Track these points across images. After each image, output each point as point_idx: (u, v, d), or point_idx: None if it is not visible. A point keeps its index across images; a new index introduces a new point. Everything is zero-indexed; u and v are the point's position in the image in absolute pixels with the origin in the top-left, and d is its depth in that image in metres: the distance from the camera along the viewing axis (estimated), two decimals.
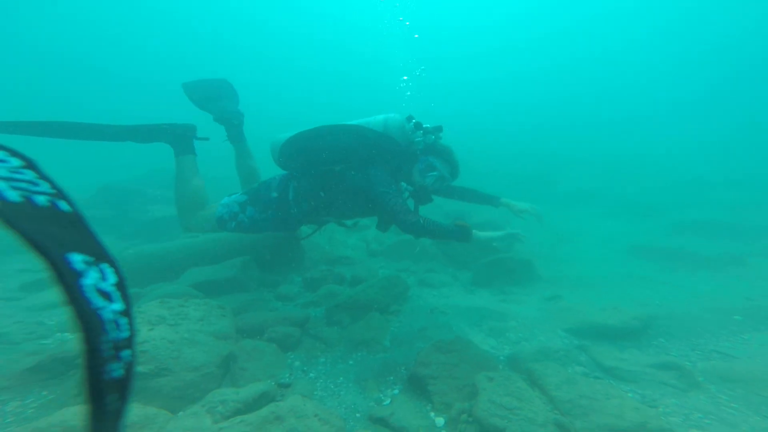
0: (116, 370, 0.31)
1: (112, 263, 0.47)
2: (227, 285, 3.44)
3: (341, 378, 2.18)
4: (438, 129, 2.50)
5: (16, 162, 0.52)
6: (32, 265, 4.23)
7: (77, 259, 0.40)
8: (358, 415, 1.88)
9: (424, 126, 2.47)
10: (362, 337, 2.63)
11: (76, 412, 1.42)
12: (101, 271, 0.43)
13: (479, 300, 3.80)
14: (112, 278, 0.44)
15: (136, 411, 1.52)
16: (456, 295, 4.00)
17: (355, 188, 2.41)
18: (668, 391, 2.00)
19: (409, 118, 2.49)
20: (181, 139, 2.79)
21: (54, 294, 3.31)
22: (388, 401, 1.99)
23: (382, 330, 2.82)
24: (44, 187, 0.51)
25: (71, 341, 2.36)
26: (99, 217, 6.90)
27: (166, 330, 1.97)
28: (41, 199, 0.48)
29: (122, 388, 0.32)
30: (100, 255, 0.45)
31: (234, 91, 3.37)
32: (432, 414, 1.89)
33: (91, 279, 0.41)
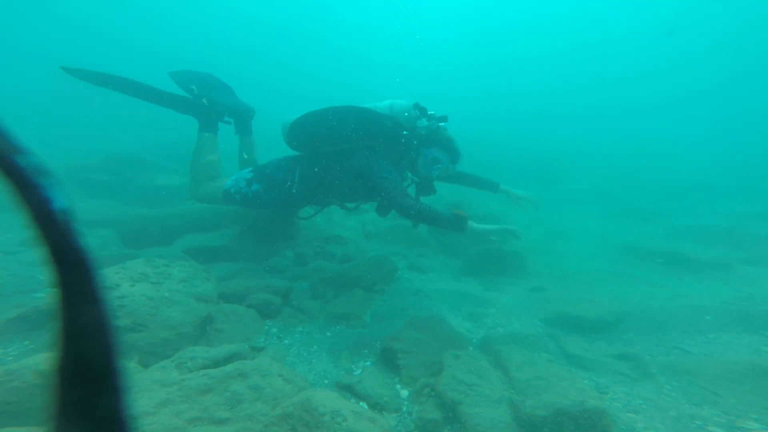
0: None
1: None
2: (218, 253, 3.47)
3: (315, 347, 2.20)
4: (443, 118, 2.48)
5: None
6: None
7: None
8: (326, 381, 1.91)
9: (429, 113, 2.45)
10: (343, 312, 2.65)
11: (49, 358, 1.45)
12: None
13: (465, 287, 3.80)
14: None
15: None
16: (443, 280, 4.00)
17: (357, 171, 2.43)
18: (621, 379, 2.06)
19: (416, 105, 2.46)
20: (208, 117, 2.94)
21: None
22: (358, 371, 2.02)
23: (364, 306, 2.83)
24: None
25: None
26: (103, 181, 6.95)
27: (147, 287, 1.99)
28: None
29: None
30: None
31: (223, 83, 3.30)
32: (398, 386, 1.91)
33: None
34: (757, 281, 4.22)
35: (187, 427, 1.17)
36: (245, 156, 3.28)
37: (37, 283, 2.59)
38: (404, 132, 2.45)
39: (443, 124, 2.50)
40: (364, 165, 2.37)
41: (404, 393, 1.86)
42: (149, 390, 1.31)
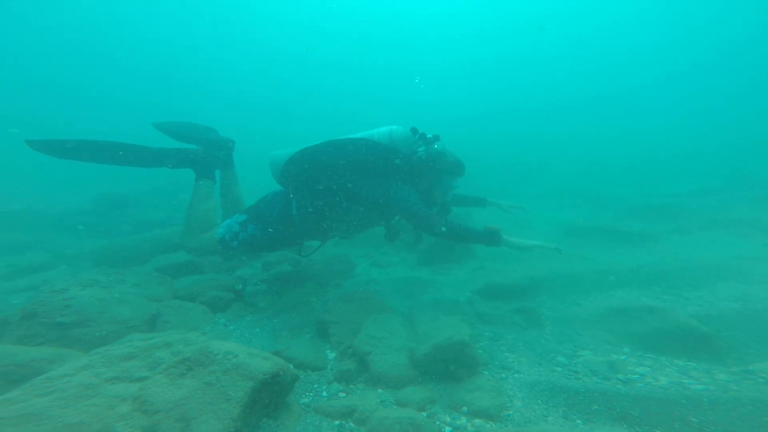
0: None
1: None
2: (185, 268, 3.55)
3: (258, 330, 2.30)
4: (436, 138, 2.38)
5: None
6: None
7: None
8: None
9: (427, 137, 2.36)
10: (293, 302, 2.75)
11: None
12: None
13: (416, 274, 3.94)
14: None
15: (51, 351, 1.64)
16: (399, 272, 4.13)
17: (370, 201, 2.25)
18: (515, 329, 2.28)
19: (414, 130, 2.37)
20: (204, 165, 2.80)
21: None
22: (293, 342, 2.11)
23: (317, 297, 2.94)
24: None
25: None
26: (90, 222, 6.98)
27: (97, 290, 2.09)
28: None
29: None
30: None
31: (207, 127, 3.17)
32: (328, 351, 2.02)
33: None
34: (674, 248, 4.49)
35: (104, 384, 1.26)
36: (230, 195, 3.02)
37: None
38: (407, 158, 2.31)
39: (437, 145, 2.36)
40: (381, 195, 2.19)
41: (331, 355, 1.97)
42: (74, 359, 1.41)
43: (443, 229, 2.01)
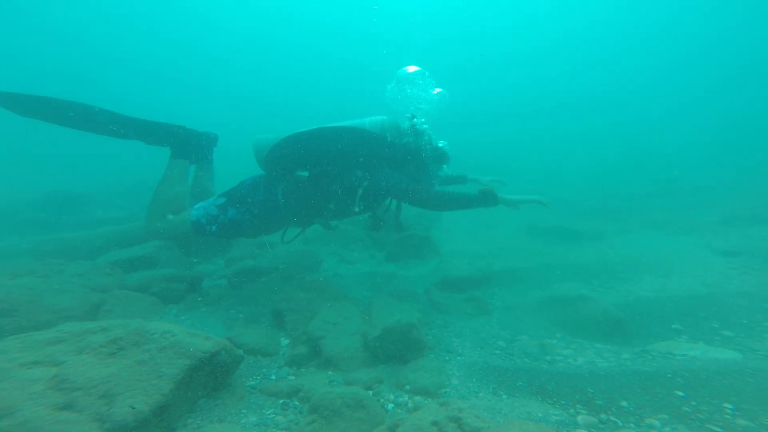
0: None
1: None
2: (140, 262, 3.35)
3: (212, 320, 2.22)
4: (425, 130, 2.38)
5: None
6: None
7: None
8: None
9: (417, 128, 2.35)
10: (254, 295, 2.68)
11: None
12: None
13: (382, 269, 3.97)
14: None
15: None
16: (365, 267, 4.15)
17: (360, 187, 2.22)
18: (464, 316, 2.40)
19: (411, 118, 2.36)
20: (183, 145, 2.57)
21: None
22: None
23: (277, 289, 2.88)
24: None
25: None
26: (39, 219, 6.39)
27: (31, 280, 1.93)
28: None
29: None
30: None
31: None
32: (282, 338, 1.98)
33: None
34: (618, 245, 4.87)
35: (16, 368, 1.16)
36: (200, 188, 2.83)
37: None
38: (402, 147, 2.33)
39: (419, 127, 2.36)
40: (372, 179, 2.19)
41: (285, 342, 1.94)
42: None
43: (442, 199, 2.04)
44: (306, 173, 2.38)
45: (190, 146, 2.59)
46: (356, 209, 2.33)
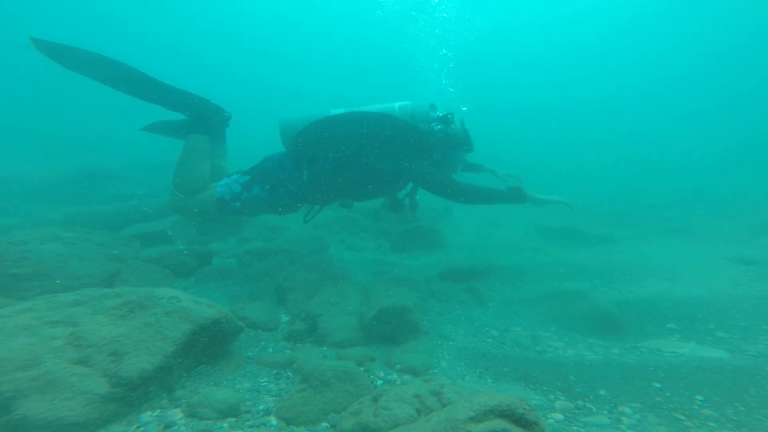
0: None
1: None
2: (159, 237, 3.50)
3: (218, 294, 2.32)
4: (452, 117, 2.38)
5: None
6: None
7: None
8: None
9: (447, 116, 2.36)
10: (260, 273, 2.77)
11: None
12: None
13: (387, 258, 4.01)
14: None
15: None
16: (371, 255, 4.20)
17: (388, 173, 2.23)
18: (461, 305, 2.42)
19: (432, 107, 2.36)
20: (204, 114, 2.49)
21: None
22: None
23: (283, 269, 2.97)
24: None
25: None
26: (70, 193, 6.75)
27: (58, 246, 2.07)
28: None
29: None
30: None
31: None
32: (282, 315, 2.06)
33: None
34: (628, 250, 4.73)
35: (42, 326, 1.27)
36: (216, 163, 2.75)
37: None
38: (430, 135, 2.32)
39: (450, 116, 2.36)
40: (402, 166, 2.21)
41: (285, 318, 2.02)
42: (17, 305, 1.41)
43: (470, 192, 2.07)
44: (333, 154, 2.34)
45: (210, 120, 2.55)
46: (383, 193, 2.37)
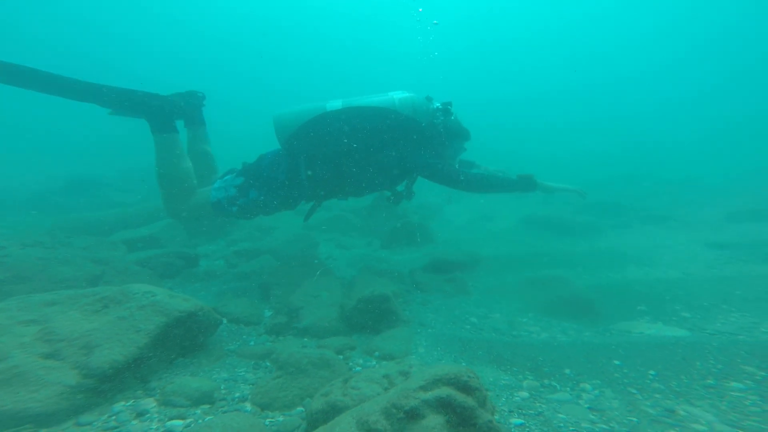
0: None
1: None
2: (148, 242, 3.49)
3: (203, 293, 2.32)
4: (448, 104, 2.35)
5: None
6: None
7: None
8: None
9: (445, 107, 2.32)
10: (245, 272, 2.77)
11: None
12: None
13: (376, 254, 4.03)
14: None
15: None
16: (359, 252, 4.21)
17: (393, 167, 2.21)
18: (442, 295, 2.44)
19: (429, 99, 2.32)
20: (160, 112, 2.24)
21: None
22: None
23: (269, 267, 2.97)
24: None
25: None
26: (61, 203, 6.68)
27: (39, 250, 2.05)
28: None
29: None
30: None
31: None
32: (266, 310, 2.07)
33: None
34: (611, 239, 4.81)
35: (14, 325, 1.26)
36: (199, 149, 2.63)
37: None
38: (432, 128, 2.28)
39: (450, 107, 2.33)
40: (406, 159, 2.18)
41: (268, 313, 2.02)
42: None
43: (481, 181, 2.06)
44: (335, 152, 2.26)
45: (170, 115, 2.29)
46: (385, 187, 2.34)
